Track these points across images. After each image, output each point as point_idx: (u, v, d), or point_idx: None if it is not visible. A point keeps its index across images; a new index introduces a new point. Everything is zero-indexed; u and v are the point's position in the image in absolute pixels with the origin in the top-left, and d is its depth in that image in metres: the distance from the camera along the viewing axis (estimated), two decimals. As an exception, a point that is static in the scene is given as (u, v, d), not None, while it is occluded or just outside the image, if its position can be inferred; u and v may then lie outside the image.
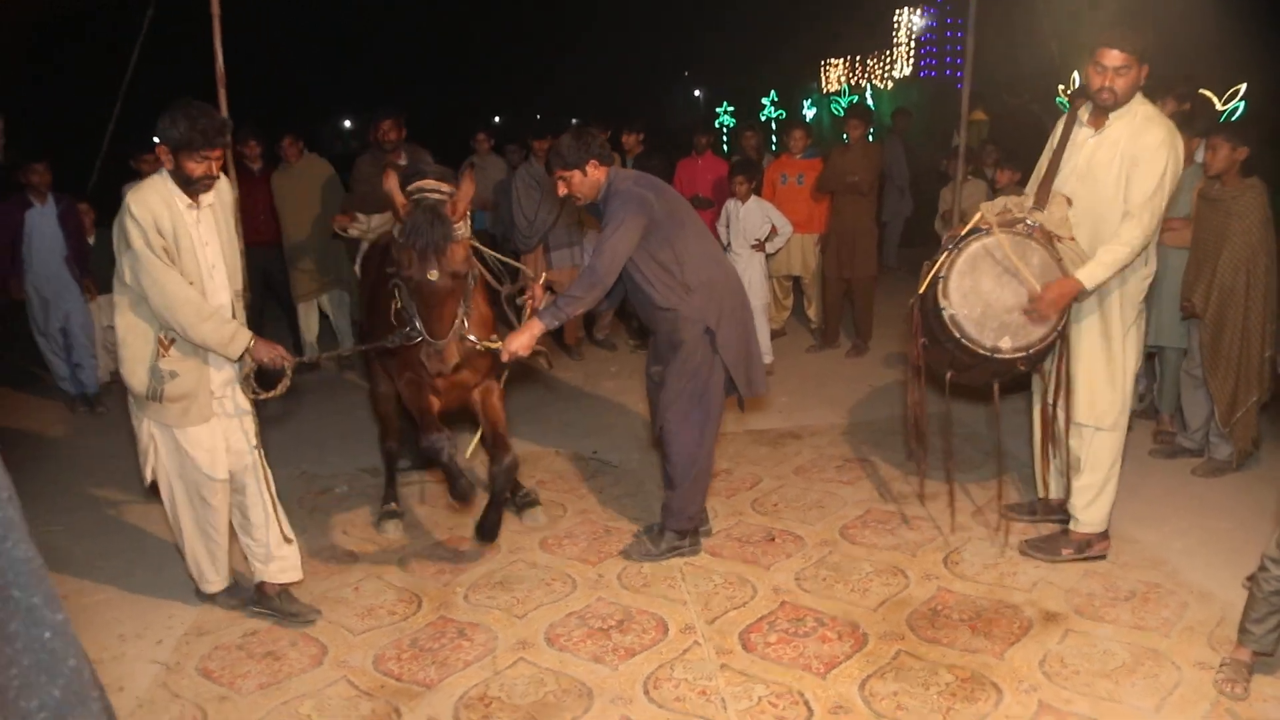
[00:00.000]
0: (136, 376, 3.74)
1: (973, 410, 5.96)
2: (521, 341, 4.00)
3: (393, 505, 5.05)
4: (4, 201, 6.75)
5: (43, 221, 6.74)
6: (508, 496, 4.72)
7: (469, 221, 3.96)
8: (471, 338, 4.02)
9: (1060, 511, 4.56)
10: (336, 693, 3.59)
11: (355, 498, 5.38)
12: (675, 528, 4.48)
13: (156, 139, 3.57)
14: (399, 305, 4.00)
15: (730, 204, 7.16)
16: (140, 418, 3.86)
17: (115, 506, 5.32)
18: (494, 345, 4.05)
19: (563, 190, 4.24)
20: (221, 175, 3.85)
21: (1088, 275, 3.89)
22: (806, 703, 3.41)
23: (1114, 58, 3.88)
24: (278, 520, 4.07)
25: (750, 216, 7.10)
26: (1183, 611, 3.89)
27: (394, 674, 3.69)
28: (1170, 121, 4.01)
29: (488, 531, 4.49)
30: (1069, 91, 9.55)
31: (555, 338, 7.56)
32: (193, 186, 3.64)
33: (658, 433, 4.50)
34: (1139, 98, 3.99)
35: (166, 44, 7.27)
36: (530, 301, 4.31)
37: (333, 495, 5.42)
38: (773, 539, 4.67)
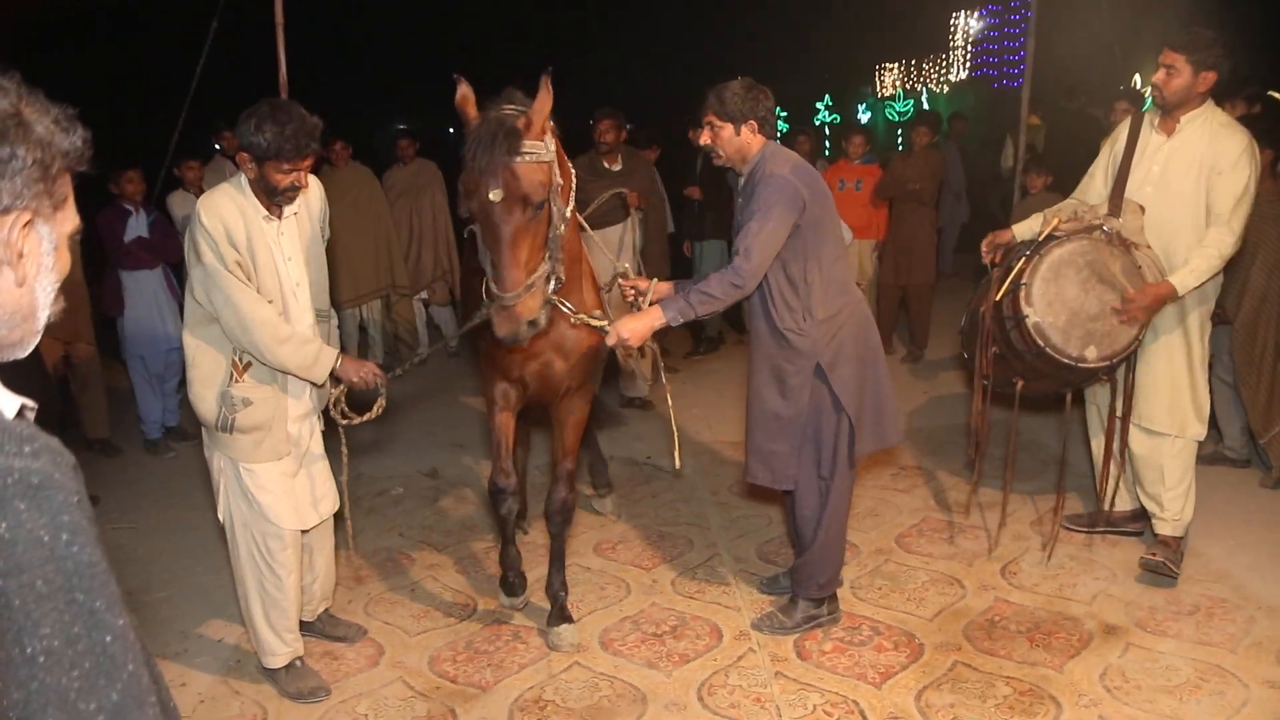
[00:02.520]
0: (205, 402, 3.34)
1: (1031, 419, 5.86)
2: (636, 329, 3.44)
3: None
4: (104, 212, 6.14)
5: (139, 232, 6.22)
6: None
7: (553, 143, 3.30)
8: (567, 306, 3.47)
9: (1123, 523, 4.49)
10: (392, 693, 3.63)
11: (411, 500, 5.44)
12: (808, 596, 3.93)
13: (238, 145, 3.20)
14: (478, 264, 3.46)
15: None
16: (211, 448, 3.47)
17: (180, 506, 5.42)
18: (600, 322, 3.54)
19: (705, 138, 3.66)
20: (313, 179, 3.46)
21: (1180, 281, 3.83)
22: (862, 712, 3.38)
23: (1171, 57, 3.88)
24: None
25: None
26: (1250, 627, 3.80)
27: (449, 675, 3.73)
28: (1245, 129, 3.96)
29: (553, 613, 3.96)
30: (1145, 90, 9.36)
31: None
32: (277, 198, 3.27)
33: (749, 476, 3.91)
34: (1210, 104, 3.95)
35: (223, 50, 7.24)
36: (628, 291, 3.75)
37: (388, 497, 5.48)
38: (827, 547, 4.64)
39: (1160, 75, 3.93)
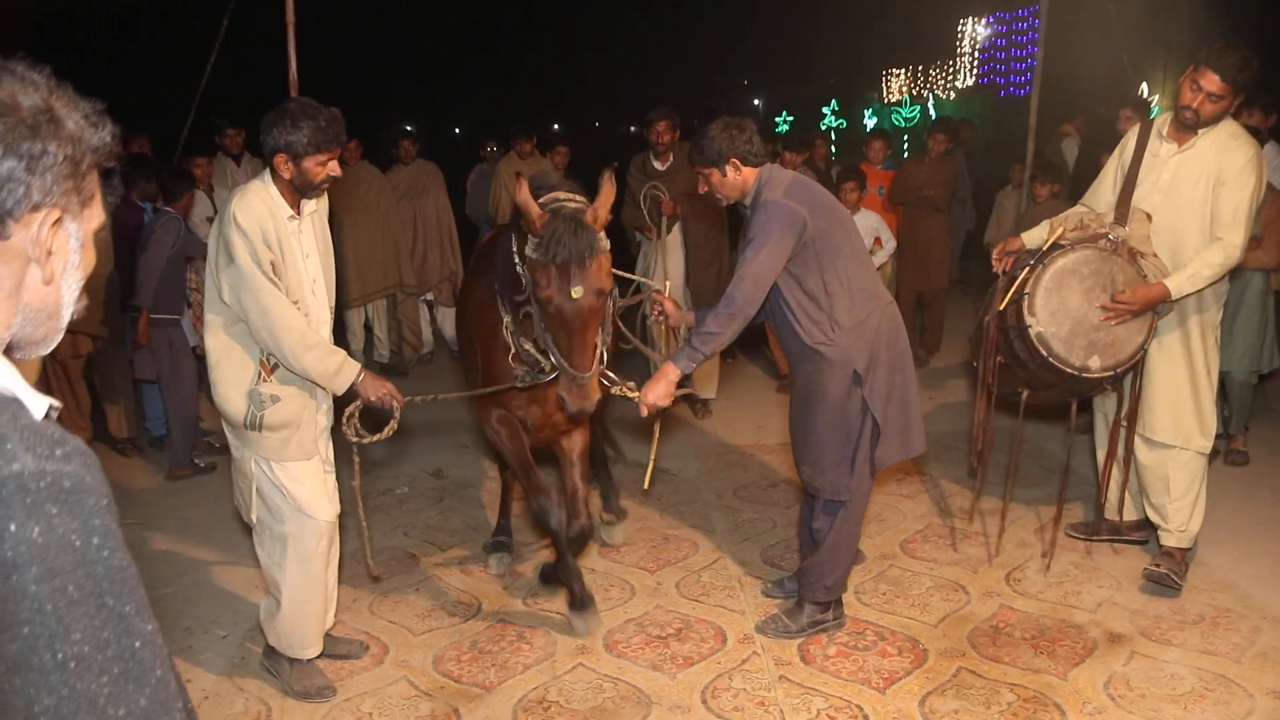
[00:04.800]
0: (232, 403, 3.35)
1: (1037, 427, 5.86)
2: (659, 392, 3.52)
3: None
4: (117, 209, 6.10)
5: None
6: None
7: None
8: (610, 375, 3.64)
9: (1128, 532, 4.48)
10: (397, 692, 3.63)
11: (416, 499, 5.45)
12: (814, 599, 3.93)
13: (272, 148, 3.19)
14: (509, 329, 3.70)
15: None
16: (241, 450, 3.46)
17: (184, 501, 5.43)
18: (632, 394, 3.63)
19: (702, 188, 3.77)
20: None
21: (1175, 285, 3.81)
22: (866, 717, 3.38)
23: (1213, 83, 3.78)
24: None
25: (862, 228, 6.96)
26: (1255, 637, 3.80)
27: (454, 675, 3.73)
28: (1254, 139, 3.95)
29: (552, 573, 4.17)
30: (1153, 99, 9.34)
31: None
32: (312, 192, 3.31)
33: (810, 488, 3.95)
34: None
35: (226, 47, 7.19)
36: (662, 319, 3.89)
37: (393, 497, 5.49)
38: (832, 551, 4.64)
39: (1200, 100, 3.82)
